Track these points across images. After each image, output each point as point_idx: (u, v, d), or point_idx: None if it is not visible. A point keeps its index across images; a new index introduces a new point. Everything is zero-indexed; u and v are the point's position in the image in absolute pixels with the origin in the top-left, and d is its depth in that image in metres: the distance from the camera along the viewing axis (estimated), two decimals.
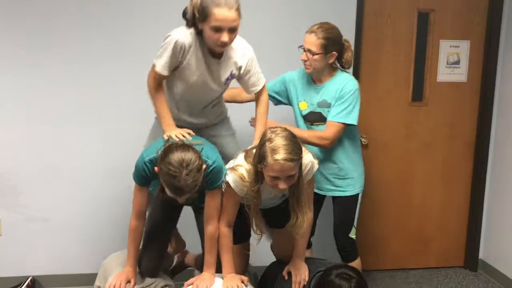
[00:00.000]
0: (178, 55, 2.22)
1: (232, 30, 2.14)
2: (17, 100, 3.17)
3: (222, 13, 2.08)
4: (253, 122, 2.62)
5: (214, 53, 2.27)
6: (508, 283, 3.50)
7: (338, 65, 2.74)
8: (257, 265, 2.86)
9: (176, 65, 2.26)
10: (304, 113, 2.77)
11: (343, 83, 2.67)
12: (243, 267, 2.50)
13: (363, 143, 3.50)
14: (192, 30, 2.22)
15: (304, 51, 2.62)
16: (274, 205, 2.39)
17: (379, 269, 3.74)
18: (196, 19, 2.15)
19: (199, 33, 2.22)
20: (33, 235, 3.30)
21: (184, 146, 2.04)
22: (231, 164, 2.23)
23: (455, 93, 3.61)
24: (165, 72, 2.26)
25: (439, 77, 3.57)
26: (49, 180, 3.26)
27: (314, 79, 2.74)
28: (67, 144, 3.25)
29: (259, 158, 2.02)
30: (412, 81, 3.55)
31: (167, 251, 2.57)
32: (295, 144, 2.01)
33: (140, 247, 2.37)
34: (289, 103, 2.86)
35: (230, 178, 2.14)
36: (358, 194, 2.84)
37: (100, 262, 3.25)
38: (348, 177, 2.78)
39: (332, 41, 2.61)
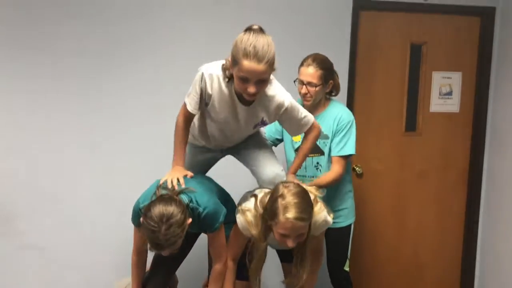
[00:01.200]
0: (204, 89, 2.17)
1: (260, 82, 2.05)
2: (14, 126, 3.19)
3: (250, 65, 1.97)
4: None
5: (244, 99, 2.18)
6: None
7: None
8: None
9: (204, 101, 2.21)
10: (297, 145, 2.80)
11: (339, 114, 2.72)
12: None
13: (358, 172, 3.53)
14: (222, 73, 2.16)
15: (304, 84, 2.65)
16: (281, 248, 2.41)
17: None
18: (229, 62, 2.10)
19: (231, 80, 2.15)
20: (28, 263, 3.27)
21: (168, 199, 2.01)
22: (241, 203, 2.24)
23: (447, 123, 3.67)
24: (194, 110, 2.21)
25: (432, 107, 3.63)
26: (46, 208, 3.26)
27: (308, 110, 2.77)
28: (65, 172, 3.26)
29: (270, 213, 2.00)
30: (406, 111, 3.61)
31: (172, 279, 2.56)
32: (307, 203, 2.00)
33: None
34: (282, 137, 2.90)
35: (239, 220, 2.15)
36: (350, 224, 2.86)
37: None
38: (341, 208, 2.81)
39: (328, 71, 2.68)
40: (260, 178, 2.38)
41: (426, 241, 3.78)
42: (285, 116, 2.28)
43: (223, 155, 2.58)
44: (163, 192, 2.08)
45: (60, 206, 3.27)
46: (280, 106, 2.22)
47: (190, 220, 2.02)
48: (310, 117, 2.35)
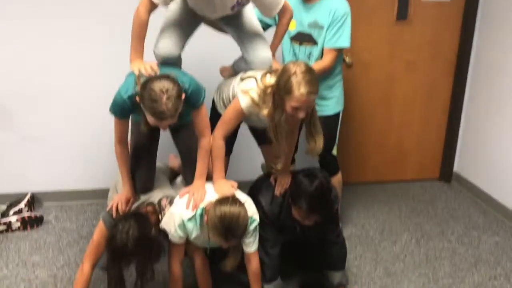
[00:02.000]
0: None
1: None
2: (8, 20, 3.15)
3: None
4: (223, 70, 2.74)
5: None
6: (478, 193, 3.78)
7: None
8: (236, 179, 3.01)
9: None
10: (292, 33, 2.82)
11: (335, 5, 2.72)
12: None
13: (348, 62, 3.57)
14: None
15: None
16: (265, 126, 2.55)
17: (359, 182, 3.98)
18: None
19: None
20: (30, 154, 3.41)
21: (162, 76, 2.14)
22: (230, 83, 2.41)
23: (439, 13, 3.66)
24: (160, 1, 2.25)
25: None
26: (42, 100, 3.33)
27: None
28: (59, 64, 3.28)
29: (284, 89, 2.16)
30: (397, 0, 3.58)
31: (155, 168, 2.70)
32: (315, 78, 2.19)
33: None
34: (275, 23, 2.90)
35: (243, 100, 2.30)
36: (339, 112, 2.98)
37: (97, 178, 3.45)
38: (330, 97, 2.91)
39: None
40: (252, 60, 2.49)
41: (411, 128, 3.94)
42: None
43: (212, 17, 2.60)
44: (144, 79, 2.18)
45: (56, 99, 3.34)
46: None
47: (184, 95, 2.15)
48: (280, 2, 2.40)
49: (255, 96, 2.28)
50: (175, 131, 2.56)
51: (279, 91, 2.19)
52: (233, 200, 2.23)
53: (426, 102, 3.89)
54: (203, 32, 2.66)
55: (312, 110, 2.29)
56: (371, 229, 3.33)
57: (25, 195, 3.37)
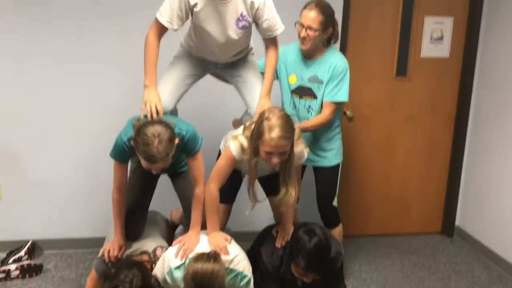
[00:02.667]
0: (187, 2, 2.30)
1: None
2: (14, 64, 3.23)
3: None
4: (235, 123, 2.81)
5: None
6: (480, 248, 3.74)
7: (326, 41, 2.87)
8: (236, 231, 2.99)
9: (186, 11, 2.33)
10: (293, 87, 2.91)
11: (335, 62, 2.81)
12: (221, 226, 2.66)
13: (349, 115, 3.64)
14: None
15: (303, 27, 2.70)
16: (266, 174, 2.58)
17: (361, 234, 3.95)
18: None
19: None
20: (32, 199, 3.42)
21: (156, 121, 2.24)
22: (233, 133, 2.45)
23: (437, 68, 3.76)
24: (169, 24, 2.34)
25: (423, 52, 3.71)
26: (47, 143, 3.36)
27: (305, 54, 2.85)
28: (64, 108, 3.34)
29: (257, 134, 2.22)
30: (397, 56, 3.69)
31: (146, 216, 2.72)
32: (289, 125, 2.24)
33: None
34: (277, 77, 2.99)
35: (232, 145, 2.34)
36: (338, 164, 3.02)
37: (98, 226, 3.44)
38: (329, 149, 2.95)
39: (329, 18, 2.73)
40: (251, 107, 2.56)
41: (412, 180, 3.96)
42: (262, 4, 2.37)
43: (216, 69, 2.69)
44: (141, 122, 2.26)
45: (60, 143, 3.38)
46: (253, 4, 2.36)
47: (177, 140, 2.22)
48: (279, 27, 2.50)
49: (244, 142, 2.32)
50: (175, 179, 2.60)
51: (253, 136, 2.24)
52: (209, 256, 2.19)
53: (427, 155, 3.92)
54: (214, 84, 2.75)
55: (289, 158, 2.29)
56: (372, 283, 3.28)
57: (26, 242, 3.36)
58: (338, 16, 3.40)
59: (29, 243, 3.36)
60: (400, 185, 3.95)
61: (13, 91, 3.27)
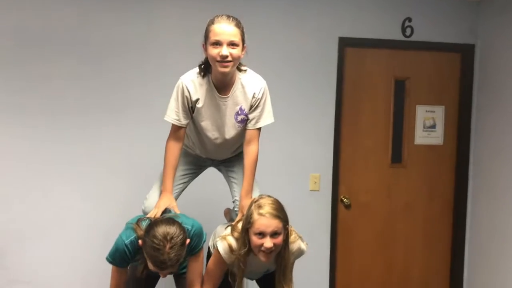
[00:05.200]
0: (189, 97, 2.30)
1: (232, 45, 2.18)
2: (5, 159, 3.24)
3: (219, 26, 2.16)
4: (226, 213, 2.73)
5: (221, 88, 2.31)
6: None
7: None
8: None
9: (190, 106, 2.33)
10: None
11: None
12: None
13: (346, 203, 3.61)
14: (198, 70, 2.32)
15: None
16: (259, 277, 2.47)
17: None
18: (204, 50, 2.24)
19: (206, 73, 2.31)
20: None
21: (169, 220, 2.08)
22: (222, 229, 2.34)
23: (432, 155, 3.78)
24: (177, 121, 2.33)
25: (416, 140, 3.75)
26: (33, 241, 3.27)
27: None
28: (52, 204, 3.29)
29: (246, 220, 2.12)
30: (391, 144, 3.72)
31: None
32: (280, 206, 2.15)
33: None
34: None
35: (220, 246, 2.22)
36: None
37: None
38: None
39: None
40: (239, 202, 2.45)
41: (414, 273, 3.83)
42: (260, 95, 2.35)
43: (212, 165, 2.66)
44: (144, 222, 2.15)
45: (46, 240, 3.29)
46: (258, 85, 2.35)
47: (188, 240, 2.07)
48: (269, 119, 2.43)
49: (233, 242, 2.20)
50: (178, 277, 2.47)
51: (244, 225, 2.13)
52: None
53: (427, 243, 3.83)
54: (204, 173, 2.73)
55: (284, 251, 2.18)
56: None
57: None
58: (331, 106, 3.54)
59: None
60: (401, 275, 3.81)
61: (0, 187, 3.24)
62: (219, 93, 2.32)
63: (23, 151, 3.25)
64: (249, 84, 2.34)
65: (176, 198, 2.53)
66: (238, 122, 2.39)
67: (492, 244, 3.56)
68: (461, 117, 3.78)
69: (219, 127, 2.40)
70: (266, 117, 2.41)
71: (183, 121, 2.35)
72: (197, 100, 2.32)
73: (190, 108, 2.34)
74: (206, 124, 2.38)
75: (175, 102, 2.33)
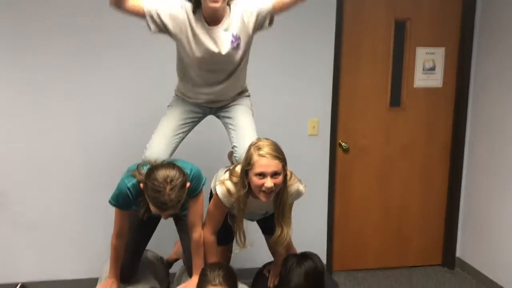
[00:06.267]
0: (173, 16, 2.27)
1: None
2: (4, 104, 3.21)
3: None
4: (230, 155, 2.72)
5: (212, 21, 2.29)
6: (483, 280, 3.65)
7: None
8: (238, 267, 2.94)
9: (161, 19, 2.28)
10: None
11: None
12: None
13: (344, 147, 3.62)
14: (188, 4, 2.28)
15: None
16: (257, 218, 2.51)
17: (361, 269, 3.87)
18: None
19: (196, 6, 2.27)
20: (22, 242, 3.34)
21: (169, 164, 2.13)
22: (221, 176, 2.34)
23: (431, 98, 3.76)
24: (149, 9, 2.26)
25: (415, 83, 3.71)
26: (38, 184, 3.30)
27: None
28: (55, 145, 3.29)
29: (246, 162, 2.14)
30: (390, 87, 3.69)
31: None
32: (279, 147, 2.18)
33: None
34: None
35: (219, 190, 2.25)
36: None
37: (90, 268, 3.35)
38: None
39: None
40: (237, 152, 2.46)
41: (411, 212, 3.90)
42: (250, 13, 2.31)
43: (210, 113, 2.64)
44: (145, 167, 2.19)
45: (51, 183, 3.32)
46: (247, 7, 2.31)
47: (189, 184, 2.12)
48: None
49: (231, 186, 2.23)
50: (178, 219, 2.51)
51: (243, 168, 2.16)
52: None
53: (424, 185, 3.88)
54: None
55: (282, 192, 2.21)
56: None
57: (15, 285, 3.25)
58: (330, 49, 3.47)
59: (19, 286, 3.25)
60: (398, 217, 3.88)
61: (1, 132, 3.22)
62: (209, 26, 2.30)
63: (19, 93, 3.21)
64: (235, 9, 2.32)
65: (176, 148, 2.54)
66: (233, 48, 2.36)
67: (488, 186, 3.61)
68: (461, 59, 3.73)
69: (214, 56, 2.34)
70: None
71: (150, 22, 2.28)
72: (167, 27, 2.28)
73: (160, 19, 2.27)
74: (202, 57, 2.34)
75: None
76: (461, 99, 3.76)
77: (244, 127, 2.52)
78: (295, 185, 2.30)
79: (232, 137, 2.53)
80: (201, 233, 2.34)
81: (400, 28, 3.63)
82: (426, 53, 3.69)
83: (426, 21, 3.65)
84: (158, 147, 2.44)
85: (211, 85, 2.46)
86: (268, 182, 2.10)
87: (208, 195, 2.59)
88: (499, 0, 3.46)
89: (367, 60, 3.62)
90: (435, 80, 3.74)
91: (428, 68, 3.71)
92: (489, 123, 3.59)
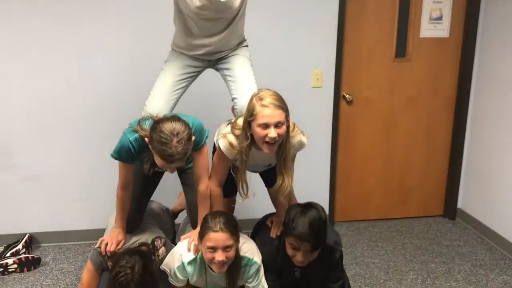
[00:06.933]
0: None
1: None
2: (3, 58, 3.17)
3: None
4: (233, 109, 2.68)
5: None
6: (483, 230, 3.71)
7: None
8: (241, 218, 2.98)
9: None
10: None
11: None
12: None
13: (348, 99, 3.59)
14: None
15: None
16: (260, 170, 2.52)
17: (363, 219, 3.92)
18: None
19: None
20: (29, 194, 3.38)
21: (173, 117, 2.12)
22: (221, 129, 2.35)
23: (437, 49, 3.69)
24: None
25: (422, 33, 3.63)
26: (42, 138, 3.31)
27: None
28: (59, 100, 3.27)
29: (248, 113, 2.12)
30: (396, 37, 3.61)
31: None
32: (281, 97, 2.15)
33: None
34: None
35: (221, 143, 2.25)
36: None
37: (95, 218, 3.40)
38: None
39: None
40: (237, 103, 2.45)
41: (414, 164, 3.91)
42: None
43: (209, 66, 2.62)
44: (147, 122, 2.19)
45: (55, 136, 3.32)
46: None
47: (194, 138, 2.12)
48: None
49: (232, 139, 2.23)
50: (182, 173, 2.53)
51: (246, 119, 2.15)
52: None
53: (428, 137, 3.87)
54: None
55: (285, 143, 2.20)
56: (375, 268, 3.25)
57: (23, 235, 3.32)
58: (334, 4, 3.38)
59: (27, 236, 3.32)
60: (401, 168, 3.90)
61: (2, 85, 3.20)
62: None
63: (23, 50, 3.17)
64: None
65: (175, 103, 2.53)
66: None
67: (492, 137, 3.60)
68: (469, 8, 3.63)
69: (213, 3, 2.28)
70: None
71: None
72: None
73: None
74: (201, 6, 2.28)
75: None
76: (468, 50, 3.69)
77: (243, 78, 2.50)
78: (297, 137, 2.29)
79: (232, 88, 2.51)
80: (207, 185, 2.36)
81: None
82: (433, 1, 3.59)
83: None
84: (157, 104, 2.43)
85: (210, 36, 2.42)
86: (272, 132, 2.09)
87: (212, 149, 2.59)
88: None
89: (373, 9, 3.53)
90: (442, 30, 3.65)
91: (435, 17, 3.62)
92: (495, 75, 3.53)
